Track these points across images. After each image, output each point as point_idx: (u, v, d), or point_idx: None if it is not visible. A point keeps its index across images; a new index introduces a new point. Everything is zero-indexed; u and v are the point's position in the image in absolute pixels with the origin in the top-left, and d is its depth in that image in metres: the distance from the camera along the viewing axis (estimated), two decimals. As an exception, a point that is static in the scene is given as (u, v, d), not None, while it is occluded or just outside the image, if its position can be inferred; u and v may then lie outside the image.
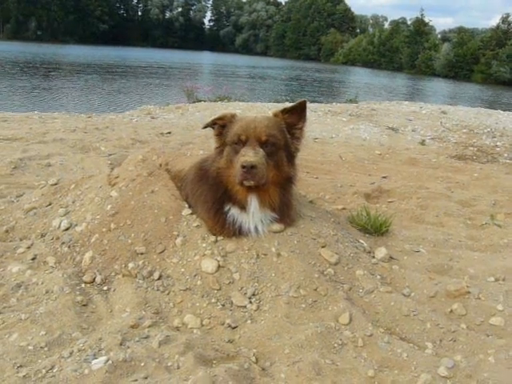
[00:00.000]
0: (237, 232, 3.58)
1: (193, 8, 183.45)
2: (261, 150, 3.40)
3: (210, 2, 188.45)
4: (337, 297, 3.16)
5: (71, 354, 2.52)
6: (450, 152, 9.62)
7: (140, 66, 52.31)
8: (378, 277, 3.55)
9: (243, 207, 3.58)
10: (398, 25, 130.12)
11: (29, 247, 3.75)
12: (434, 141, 10.86)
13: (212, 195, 3.66)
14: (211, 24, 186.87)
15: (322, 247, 3.58)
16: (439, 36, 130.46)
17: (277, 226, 3.64)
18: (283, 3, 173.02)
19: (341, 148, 9.13)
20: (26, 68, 41.73)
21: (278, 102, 18.24)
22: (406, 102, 19.42)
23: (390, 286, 3.43)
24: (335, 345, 2.77)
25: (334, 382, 2.50)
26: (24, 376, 2.36)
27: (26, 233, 4.02)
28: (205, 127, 3.76)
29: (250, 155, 3.31)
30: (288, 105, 3.68)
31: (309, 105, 15.73)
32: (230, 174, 3.56)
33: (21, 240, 3.93)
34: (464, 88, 63.63)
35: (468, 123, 13.39)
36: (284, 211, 3.69)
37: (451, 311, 3.25)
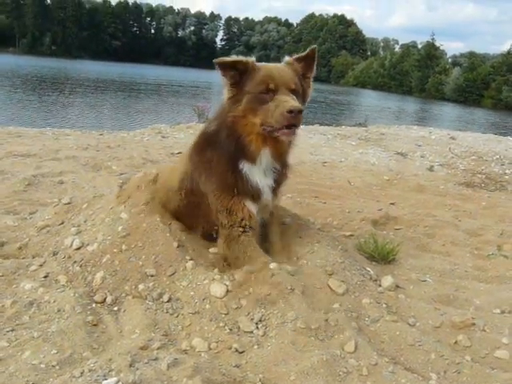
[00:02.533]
0: (249, 188, 3.68)
1: (205, 27, 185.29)
2: (291, 95, 3.37)
3: (223, 22, 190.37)
4: (343, 325, 3.20)
5: (82, 373, 2.57)
6: (459, 179, 9.66)
7: (152, 84, 52.78)
8: (384, 305, 3.58)
9: (254, 159, 3.64)
10: (408, 48, 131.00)
11: (41, 265, 3.82)
12: (443, 167, 10.90)
13: (227, 151, 3.64)
14: (223, 43, 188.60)
15: (330, 275, 3.62)
16: (450, 60, 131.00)
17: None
18: (295, 24, 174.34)
19: (349, 172, 9.20)
20: (40, 83, 42.21)
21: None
22: (415, 127, 19.49)
23: (395, 315, 3.46)
24: (340, 373, 2.81)
25: (339, 410, 2.54)
26: (36, 395, 2.42)
27: (39, 250, 4.09)
28: (222, 64, 3.48)
29: (294, 102, 3.29)
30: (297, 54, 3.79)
31: (318, 128, 15.91)
32: (246, 123, 3.52)
33: (33, 257, 4.00)
34: (474, 113, 63.76)
35: (477, 150, 13.42)
36: (285, 161, 3.90)
37: (456, 342, 3.28)
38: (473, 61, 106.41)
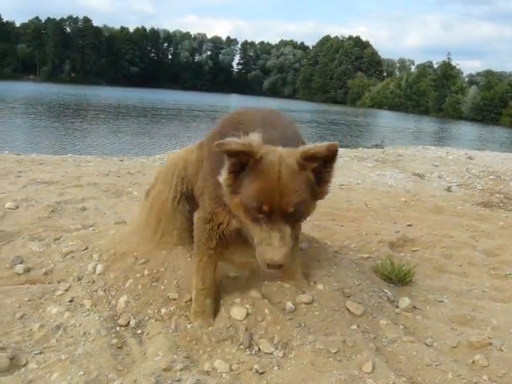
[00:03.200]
0: None
1: (221, 51, 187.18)
2: (287, 227, 2.80)
3: (239, 46, 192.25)
4: (361, 346, 3.27)
5: (108, 395, 2.68)
6: (476, 199, 9.67)
7: (172, 109, 53.28)
8: (402, 326, 3.65)
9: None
10: (424, 68, 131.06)
11: (66, 290, 3.94)
12: (460, 187, 10.92)
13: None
14: (239, 67, 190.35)
15: (347, 297, 3.70)
16: (466, 79, 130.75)
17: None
18: (310, 47, 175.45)
19: (366, 195, 9.26)
20: (63, 110, 42.88)
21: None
22: (433, 147, 19.52)
23: (412, 336, 3.52)
24: (359, 395, 2.88)
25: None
26: (65, 416, 2.52)
27: (64, 276, 4.21)
28: (225, 151, 2.85)
29: (274, 251, 2.73)
30: (314, 147, 2.81)
31: (335, 150, 15.98)
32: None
33: (59, 282, 4.12)
34: (492, 132, 63.46)
35: (495, 169, 13.42)
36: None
37: (473, 362, 3.32)
38: (490, 79, 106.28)
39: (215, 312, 3.55)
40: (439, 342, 3.54)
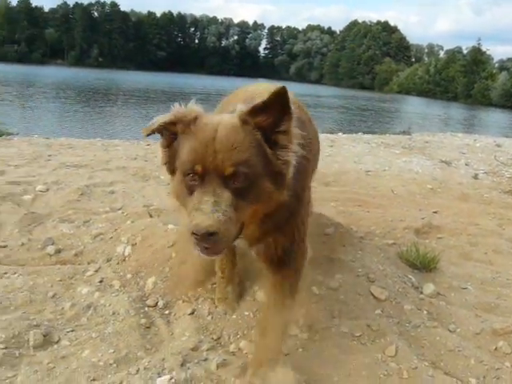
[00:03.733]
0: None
1: (248, 36, 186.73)
2: (225, 192, 2.34)
3: (266, 31, 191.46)
4: (385, 330, 3.31)
5: (138, 371, 2.78)
6: (504, 187, 9.58)
7: (200, 93, 53.35)
8: (425, 312, 3.69)
9: None
10: (453, 54, 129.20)
11: (96, 271, 4.04)
12: (488, 175, 10.82)
13: None
14: (266, 52, 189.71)
15: (372, 282, 3.75)
16: (497, 65, 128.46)
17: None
18: (338, 32, 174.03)
19: (393, 181, 9.23)
20: (93, 94, 43.27)
21: (332, 132, 18.40)
22: (460, 134, 19.35)
23: (436, 322, 3.56)
24: (381, 375, 2.93)
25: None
26: (96, 389, 2.62)
27: (94, 257, 4.32)
28: (148, 134, 2.60)
29: (203, 215, 2.25)
30: (261, 99, 2.42)
31: (362, 136, 15.92)
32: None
33: (88, 263, 4.23)
34: (522, 119, 62.44)
35: (524, 157, 13.27)
36: (284, 260, 2.99)
37: (496, 349, 3.35)
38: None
39: (239, 296, 3.57)
40: (462, 328, 3.57)
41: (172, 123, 2.55)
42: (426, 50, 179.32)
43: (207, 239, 2.24)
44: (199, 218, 2.24)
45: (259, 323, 3.22)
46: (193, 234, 2.24)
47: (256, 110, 2.43)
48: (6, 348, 2.93)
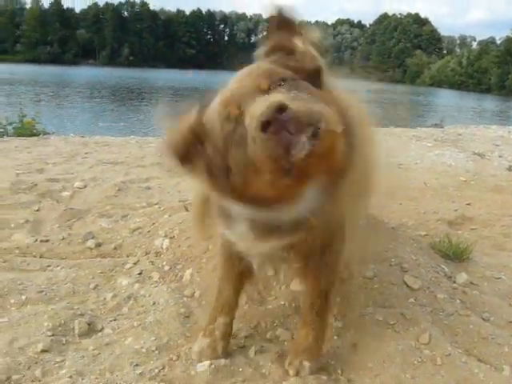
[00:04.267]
0: None
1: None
2: None
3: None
4: (418, 318, 3.37)
5: (178, 357, 2.90)
6: (539, 179, 9.49)
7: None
8: (458, 301, 3.72)
9: None
10: (487, 45, 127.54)
11: (135, 263, 4.17)
12: (522, 167, 10.71)
13: None
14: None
15: (405, 272, 3.80)
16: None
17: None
18: (368, 25, 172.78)
19: (425, 174, 9.21)
20: (127, 93, 43.88)
21: (363, 126, 18.29)
22: (494, 126, 19.07)
23: (469, 310, 3.60)
24: (415, 362, 2.99)
25: (414, 394, 2.74)
26: (140, 373, 2.75)
27: (132, 250, 4.46)
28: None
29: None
30: None
31: (393, 130, 15.87)
32: None
33: (128, 256, 4.36)
34: (558, 110, 61.25)
35: (560, 148, 13.07)
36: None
37: (530, 337, 3.39)
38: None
39: (229, 336, 3.05)
40: (496, 316, 3.60)
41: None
42: (458, 42, 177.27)
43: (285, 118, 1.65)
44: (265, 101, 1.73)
45: (301, 314, 3.10)
46: (262, 122, 1.67)
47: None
48: (53, 335, 3.07)
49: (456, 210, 6.34)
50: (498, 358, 3.15)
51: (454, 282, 3.98)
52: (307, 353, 2.88)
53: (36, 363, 2.81)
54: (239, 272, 2.96)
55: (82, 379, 2.68)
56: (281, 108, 1.65)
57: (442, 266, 4.19)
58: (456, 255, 4.48)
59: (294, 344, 3.03)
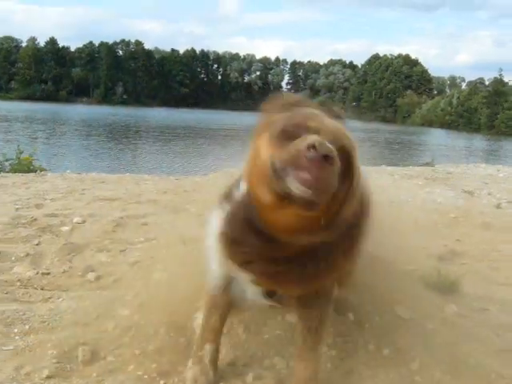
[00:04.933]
0: None
1: (271, 72, 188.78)
2: None
3: (288, 66, 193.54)
4: (409, 347, 3.51)
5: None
6: (527, 216, 9.67)
7: (221, 129, 54.18)
8: (447, 331, 3.85)
9: None
10: (476, 85, 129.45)
11: (135, 295, 4.28)
12: (510, 204, 10.90)
13: None
14: (289, 87, 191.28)
15: (396, 303, 3.95)
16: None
17: None
18: (359, 66, 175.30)
19: (416, 211, 9.38)
20: (125, 132, 44.26)
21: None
22: (483, 165, 19.41)
23: (458, 340, 3.73)
24: (406, 388, 3.13)
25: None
26: None
27: (132, 282, 4.57)
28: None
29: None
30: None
31: (386, 168, 16.11)
32: None
33: (127, 289, 4.48)
34: (547, 149, 62.01)
35: (547, 186, 13.31)
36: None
37: (522, 364, 3.53)
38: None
39: (216, 362, 3.17)
40: (483, 346, 3.73)
41: None
42: (448, 82, 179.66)
43: (324, 162, 1.90)
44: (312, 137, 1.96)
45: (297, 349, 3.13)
46: (309, 148, 1.91)
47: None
48: (58, 362, 3.19)
49: (446, 246, 6.51)
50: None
51: (444, 313, 4.12)
52: None
53: (42, 388, 2.93)
54: (226, 302, 3.07)
55: (87, 403, 2.79)
56: (327, 154, 1.92)
57: (432, 298, 4.33)
58: (445, 287, 4.63)
59: (294, 377, 3.10)
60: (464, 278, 4.95)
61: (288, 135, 2.05)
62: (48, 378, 3.02)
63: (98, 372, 3.15)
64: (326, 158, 1.89)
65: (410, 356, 3.41)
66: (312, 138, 1.93)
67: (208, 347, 3.11)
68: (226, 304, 3.09)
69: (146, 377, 3.09)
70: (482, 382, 3.30)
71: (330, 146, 1.92)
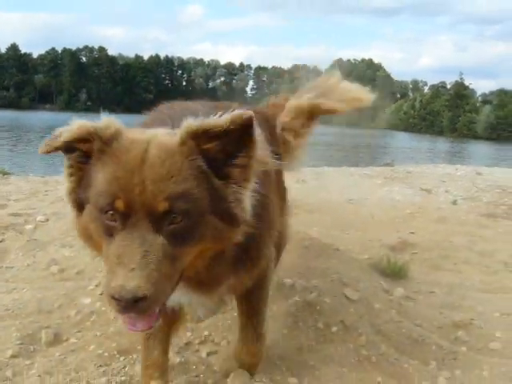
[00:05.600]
0: None
1: (235, 77, 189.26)
2: (157, 237, 1.85)
3: (252, 71, 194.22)
4: (357, 325, 3.75)
5: (138, 358, 3.20)
6: (480, 210, 9.97)
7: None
8: (394, 311, 4.11)
9: None
10: (438, 89, 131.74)
11: (97, 285, 4.43)
12: (466, 201, 11.23)
13: None
14: (253, 92, 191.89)
15: (345, 286, 4.18)
16: (480, 99, 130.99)
17: None
18: (323, 71, 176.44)
19: (374, 208, 9.64)
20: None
21: (315, 166, 18.86)
22: (442, 165, 19.84)
23: (403, 318, 3.99)
24: (352, 360, 3.36)
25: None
26: (103, 371, 3.04)
27: (94, 274, 4.71)
28: (48, 152, 2.04)
29: (128, 273, 1.74)
30: (208, 120, 1.95)
31: (346, 169, 16.44)
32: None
33: (89, 280, 4.63)
34: (506, 150, 63.52)
35: (502, 183, 13.68)
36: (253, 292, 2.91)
37: (456, 338, 3.79)
38: (502, 98, 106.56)
39: None
40: (427, 323, 4.00)
41: (84, 139, 1.99)
42: (411, 86, 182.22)
43: (134, 306, 1.73)
44: (122, 276, 1.72)
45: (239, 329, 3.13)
46: (113, 298, 1.74)
47: (208, 133, 1.93)
48: (22, 344, 3.35)
49: (399, 238, 6.75)
50: (426, 355, 3.56)
51: (391, 295, 4.37)
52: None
53: (6, 366, 3.09)
54: (168, 322, 2.80)
55: (51, 377, 2.96)
56: (134, 298, 1.76)
57: (381, 282, 4.59)
58: (394, 273, 4.88)
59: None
60: (414, 264, 5.23)
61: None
62: (12, 357, 3.19)
63: (61, 352, 3.32)
64: (137, 300, 1.73)
65: (357, 333, 3.65)
66: (112, 286, 1.75)
67: None
68: (168, 326, 2.84)
69: (106, 354, 3.27)
70: (424, 353, 3.56)
71: (135, 284, 1.73)
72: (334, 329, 3.69)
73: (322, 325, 3.72)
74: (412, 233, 7.36)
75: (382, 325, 3.86)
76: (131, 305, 1.72)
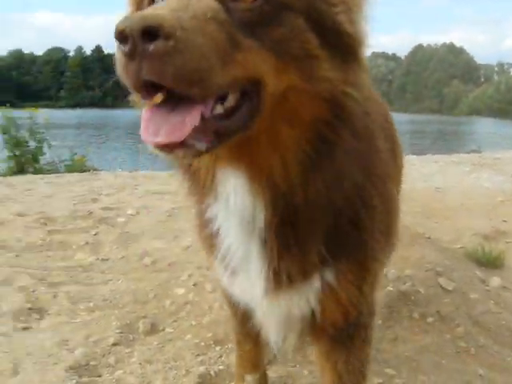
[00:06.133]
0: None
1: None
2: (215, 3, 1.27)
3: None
4: (453, 315, 3.65)
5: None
6: None
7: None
8: (492, 301, 3.98)
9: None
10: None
11: (189, 276, 4.53)
12: (561, 187, 10.78)
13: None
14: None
15: (439, 275, 4.08)
16: None
17: None
18: (402, 58, 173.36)
19: (462, 196, 9.40)
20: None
21: (401, 154, 18.48)
22: (533, 150, 19.06)
23: (501, 309, 3.85)
24: (449, 351, 3.27)
25: (450, 376, 3.01)
26: (200, 361, 3.10)
27: (186, 265, 4.82)
28: None
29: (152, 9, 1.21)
30: None
31: (431, 157, 16.05)
32: None
33: (181, 271, 4.74)
34: None
35: None
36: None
37: (559, 328, 3.63)
38: None
39: None
40: (527, 314, 3.85)
41: None
42: (496, 69, 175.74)
43: (148, 49, 1.13)
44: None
45: None
46: (119, 34, 1.18)
47: None
48: (121, 333, 3.47)
49: (492, 226, 6.54)
50: (527, 347, 3.41)
51: (488, 286, 4.23)
52: None
53: (109, 353, 3.21)
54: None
55: (150, 365, 3.04)
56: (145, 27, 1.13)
57: (476, 272, 4.44)
58: (489, 262, 4.71)
59: None
60: (508, 254, 5.03)
61: None
62: (114, 345, 3.30)
63: (159, 341, 3.41)
64: (150, 32, 1.11)
65: (454, 323, 3.56)
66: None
67: (249, 378, 2.66)
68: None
69: (202, 344, 3.33)
70: (525, 346, 3.42)
71: (152, 13, 1.15)
72: (430, 319, 3.61)
73: (417, 315, 3.65)
74: (504, 221, 7.10)
75: (479, 316, 3.74)
76: (142, 43, 1.12)
